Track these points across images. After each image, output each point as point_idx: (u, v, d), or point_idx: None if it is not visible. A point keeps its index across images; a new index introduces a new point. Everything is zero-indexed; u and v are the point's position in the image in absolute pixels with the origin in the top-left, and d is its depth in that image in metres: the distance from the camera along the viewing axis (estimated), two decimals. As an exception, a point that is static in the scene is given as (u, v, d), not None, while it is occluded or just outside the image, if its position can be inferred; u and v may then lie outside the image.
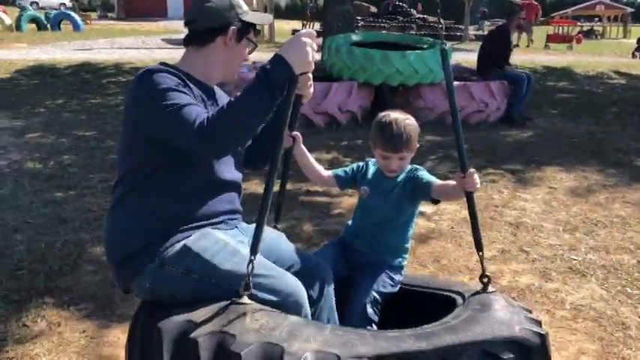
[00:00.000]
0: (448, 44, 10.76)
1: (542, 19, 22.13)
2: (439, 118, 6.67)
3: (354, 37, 7.86)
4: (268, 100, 1.55)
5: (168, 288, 1.62)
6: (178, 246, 1.64)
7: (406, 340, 1.43)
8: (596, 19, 33.15)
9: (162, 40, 19.19)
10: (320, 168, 2.11)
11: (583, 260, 3.30)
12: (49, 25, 21.85)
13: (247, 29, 1.79)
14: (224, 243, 1.66)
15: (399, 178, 2.01)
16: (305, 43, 1.59)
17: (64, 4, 37.19)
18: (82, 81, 9.80)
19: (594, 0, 34.99)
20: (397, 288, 1.99)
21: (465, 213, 3.92)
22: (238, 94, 1.57)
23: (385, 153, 1.95)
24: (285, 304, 1.57)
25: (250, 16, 1.79)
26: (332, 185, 2.15)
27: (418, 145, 2.00)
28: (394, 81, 6.66)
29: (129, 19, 31.17)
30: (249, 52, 1.83)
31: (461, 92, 6.88)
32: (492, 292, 1.71)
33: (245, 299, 1.48)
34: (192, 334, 1.40)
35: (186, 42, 1.81)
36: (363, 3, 26.94)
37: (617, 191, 4.54)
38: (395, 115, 1.97)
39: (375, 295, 1.91)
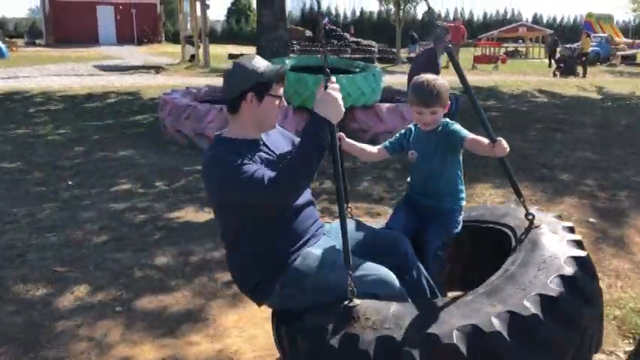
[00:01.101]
0: (379, 66, 11.08)
1: (468, 40, 23.10)
2: (373, 138, 6.78)
3: (288, 62, 7.94)
4: (319, 154, 1.91)
5: (293, 303, 2.00)
6: (291, 270, 2.02)
7: (481, 300, 1.75)
8: (520, 40, 34.92)
9: (94, 66, 18.72)
10: (371, 149, 2.46)
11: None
12: (-29, 53, 20.94)
13: (265, 88, 2.02)
14: (322, 259, 2.03)
15: (438, 130, 2.33)
16: (336, 98, 1.93)
17: (-12, 30, 35.79)
18: (7, 110, 9.40)
19: (517, 23, 36.95)
20: (460, 227, 2.37)
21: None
22: (294, 152, 1.97)
23: (419, 108, 2.30)
24: (384, 291, 1.92)
25: (265, 76, 2.01)
26: (385, 157, 2.51)
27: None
28: (328, 104, 6.73)
29: (58, 45, 30.25)
30: (280, 104, 2.08)
31: (393, 113, 7.06)
32: (537, 227, 2.11)
33: (354, 301, 1.81)
34: (327, 339, 1.72)
35: (228, 111, 2.11)
36: (298, 27, 27.32)
37: (543, 205, 4.73)
38: (427, 75, 2.32)
39: (444, 240, 2.31)
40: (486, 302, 1.74)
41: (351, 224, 2.26)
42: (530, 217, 2.15)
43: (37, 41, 34.54)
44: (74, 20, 32.16)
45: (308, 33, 25.59)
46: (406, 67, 17.09)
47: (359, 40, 22.92)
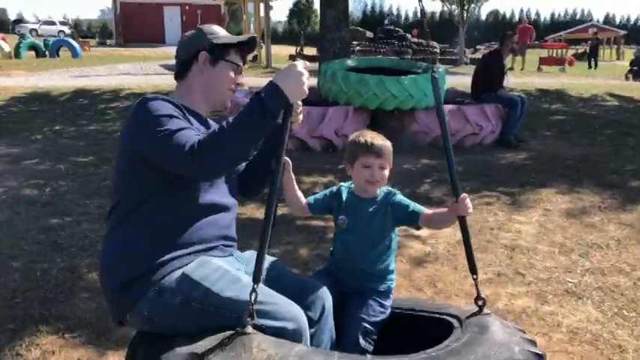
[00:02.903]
0: (442, 67, 10.90)
1: (535, 42, 22.45)
2: (434, 141, 6.71)
3: (350, 63, 7.97)
4: (261, 127, 1.57)
5: (167, 318, 1.61)
6: (176, 274, 1.63)
7: None
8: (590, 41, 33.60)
9: (160, 65, 19.33)
10: (301, 195, 2.06)
11: (579, 283, 3.30)
12: (47, 52, 22.06)
13: (222, 52, 1.83)
14: (224, 270, 1.65)
15: (377, 199, 1.98)
16: (301, 72, 1.61)
17: (63, 31, 37.63)
18: (79, 107, 9.86)
19: (587, 23, 35.54)
20: (388, 313, 1.98)
21: (460, 236, 3.94)
22: (231, 118, 1.60)
23: (367, 160, 1.92)
24: (287, 331, 1.56)
25: (223, 39, 1.83)
26: (307, 213, 2.10)
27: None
28: (389, 105, 6.72)
29: (127, 45, 31.49)
30: (236, 74, 1.86)
31: (455, 115, 6.94)
32: (487, 314, 1.73)
33: (249, 329, 1.46)
34: None
35: (175, 77, 1.91)
36: (359, 28, 27.27)
37: (612, 213, 4.55)
38: (368, 131, 2.02)
39: (367, 325, 1.88)
40: None
41: (270, 258, 1.90)
42: (481, 302, 1.74)
43: (108, 41, 36.05)
44: (142, 21, 33.41)
45: (369, 34, 25.51)
46: (468, 69, 16.77)
47: (421, 40, 22.65)
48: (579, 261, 3.62)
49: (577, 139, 7.68)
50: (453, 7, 25.46)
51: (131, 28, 33.70)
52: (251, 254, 1.88)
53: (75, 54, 22.06)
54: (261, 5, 20.65)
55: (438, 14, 50.92)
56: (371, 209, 1.98)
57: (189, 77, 1.85)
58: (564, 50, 23.93)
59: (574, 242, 3.94)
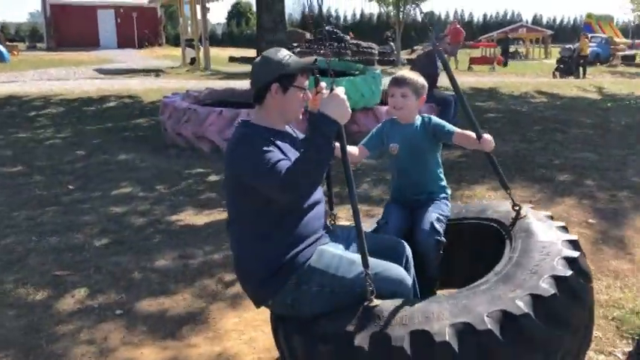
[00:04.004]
0: (379, 69, 11.10)
1: (467, 42, 23.14)
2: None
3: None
4: (328, 153, 1.94)
5: (307, 304, 1.95)
6: (306, 267, 1.99)
7: (499, 287, 1.82)
8: (520, 41, 34.93)
9: (94, 70, 18.76)
10: (353, 150, 2.44)
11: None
12: (-28, 57, 20.98)
13: (290, 80, 2.06)
14: (339, 256, 2.03)
15: (417, 123, 2.44)
16: (343, 99, 1.97)
17: (-11, 34, 35.86)
18: (7, 114, 9.43)
19: (517, 24, 36.96)
20: (449, 211, 2.48)
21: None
22: (303, 150, 1.96)
23: (391, 90, 2.40)
24: (400, 288, 1.96)
25: (291, 67, 2.06)
26: (366, 154, 2.53)
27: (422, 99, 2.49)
28: (328, 106, 6.75)
29: (59, 49, 30.29)
30: (304, 97, 2.12)
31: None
32: (525, 216, 2.23)
33: (375, 301, 1.81)
34: (355, 342, 1.70)
35: (253, 101, 2.15)
36: (298, 29, 27.35)
37: (542, 206, 4.74)
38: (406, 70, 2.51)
39: (439, 213, 2.37)
40: (505, 288, 1.81)
41: (350, 231, 2.27)
42: (517, 207, 2.26)
43: (38, 45, 34.62)
44: (75, 24, 32.18)
45: (308, 35, 25.61)
46: (405, 69, 17.11)
47: (359, 42, 22.91)
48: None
49: (508, 135, 7.95)
50: (390, 8, 25.94)
51: (63, 32, 32.43)
52: (341, 230, 2.30)
53: (2, 58, 21.10)
54: (198, 7, 20.35)
55: (375, 16, 51.70)
56: (412, 133, 2.41)
57: (265, 103, 2.10)
58: (494, 50, 24.79)
59: (506, 236, 4.07)
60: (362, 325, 1.74)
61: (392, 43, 25.56)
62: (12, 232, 4.08)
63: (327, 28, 23.38)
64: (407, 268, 2.18)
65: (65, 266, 3.52)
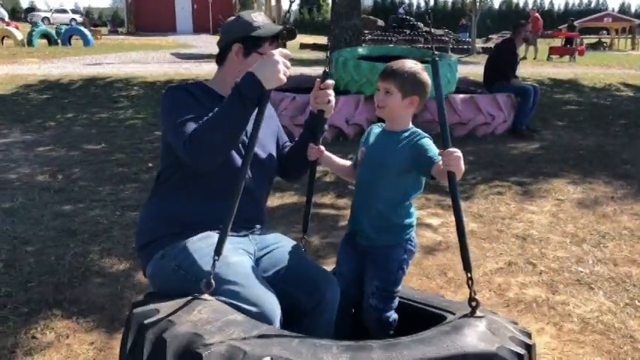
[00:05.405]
0: (454, 57, 10.84)
1: (547, 32, 22.16)
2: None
3: (361, 51, 7.93)
4: (240, 115, 1.68)
5: (160, 279, 1.79)
6: (182, 243, 1.78)
7: (371, 349, 1.37)
8: (604, 31, 33.14)
9: (171, 54, 19.36)
10: (346, 162, 2.14)
11: (590, 272, 3.29)
12: (59, 41, 22.14)
13: (255, 44, 1.88)
14: (213, 245, 1.65)
15: (402, 135, 1.90)
16: (276, 61, 1.67)
17: (75, 19, 37.79)
18: (91, 95, 9.91)
19: (602, 13, 35.05)
20: (405, 270, 1.93)
21: (472, 226, 3.93)
22: (216, 109, 1.70)
23: (377, 84, 1.91)
24: (251, 314, 1.56)
25: (260, 31, 1.88)
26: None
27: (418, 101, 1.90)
28: (401, 94, 6.68)
29: (138, 33, 31.49)
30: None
31: (468, 105, 6.90)
32: (480, 317, 1.59)
33: (206, 296, 1.54)
34: (147, 321, 1.45)
35: (215, 62, 1.99)
36: (371, 17, 27.14)
37: (625, 203, 4.52)
38: (406, 61, 1.92)
39: (382, 282, 1.89)
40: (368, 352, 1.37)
41: (288, 244, 1.99)
42: (474, 303, 1.61)
43: (119, 29, 36.08)
44: (153, 9, 33.36)
45: (380, 23, 25.37)
46: (480, 58, 16.63)
47: (434, 29, 22.52)
48: (591, 251, 3.60)
49: (590, 129, 7.61)
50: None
51: (142, 17, 33.68)
52: (274, 237, 1.99)
53: (86, 42, 22.13)
54: (272, -7, 20.58)
55: (450, 3, 50.47)
56: (392, 142, 1.90)
57: (225, 65, 1.94)
58: (577, 39, 23.63)
59: (586, 232, 3.92)
60: (175, 312, 1.47)
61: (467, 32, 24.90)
62: (97, 205, 4.30)
63: (401, 14, 23.09)
64: (313, 312, 1.81)
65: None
